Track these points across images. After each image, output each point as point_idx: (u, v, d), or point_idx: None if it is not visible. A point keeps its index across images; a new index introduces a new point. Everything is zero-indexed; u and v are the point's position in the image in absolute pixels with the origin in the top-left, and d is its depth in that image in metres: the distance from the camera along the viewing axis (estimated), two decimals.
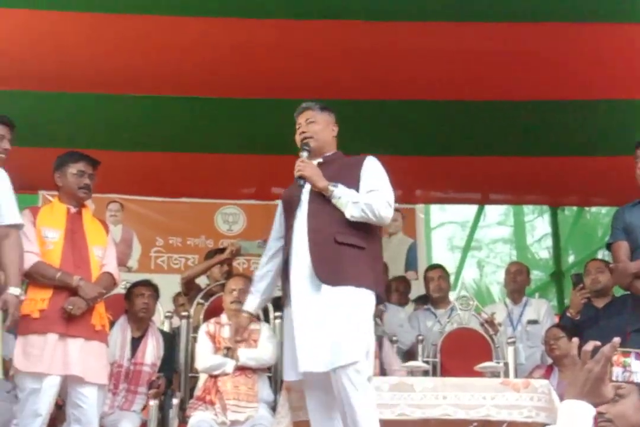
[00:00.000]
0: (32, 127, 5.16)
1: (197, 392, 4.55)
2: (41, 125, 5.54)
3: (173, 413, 4.48)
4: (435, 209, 8.30)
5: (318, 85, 5.14)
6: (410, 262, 7.51)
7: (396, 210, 7.53)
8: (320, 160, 3.74)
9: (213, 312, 4.92)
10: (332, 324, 3.36)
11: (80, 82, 5.17)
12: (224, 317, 4.73)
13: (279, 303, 5.28)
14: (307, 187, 3.66)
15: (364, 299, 3.47)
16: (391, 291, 6.05)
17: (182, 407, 4.55)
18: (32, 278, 3.94)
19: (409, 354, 5.42)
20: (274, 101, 5.40)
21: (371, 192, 3.58)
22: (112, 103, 5.50)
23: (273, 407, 4.46)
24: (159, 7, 4.56)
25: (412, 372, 4.64)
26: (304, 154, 3.70)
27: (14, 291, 3.37)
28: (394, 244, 7.53)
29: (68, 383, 3.89)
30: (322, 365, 3.34)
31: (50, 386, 3.80)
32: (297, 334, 3.45)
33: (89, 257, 4.05)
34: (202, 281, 5.69)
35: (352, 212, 3.54)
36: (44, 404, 3.78)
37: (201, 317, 4.97)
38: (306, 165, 3.64)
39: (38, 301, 3.88)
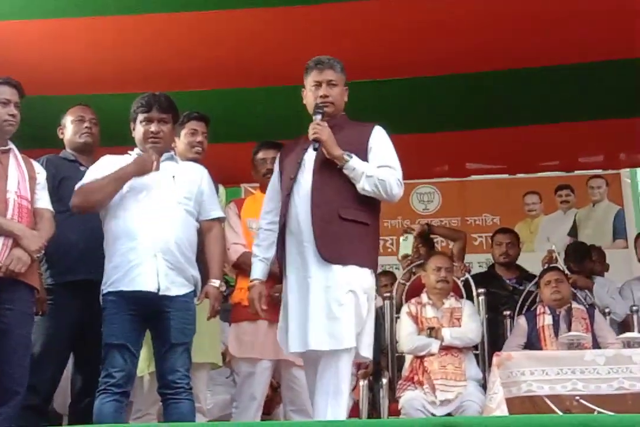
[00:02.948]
0: (232, 124, 5.36)
1: (405, 372, 4.60)
2: (240, 121, 5.72)
3: (383, 393, 4.55)
4: None
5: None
6: (618, 230, 7.16)
7: (599, 176, 7.28)
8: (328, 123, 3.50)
9: (413, 291, 4.94)
10: (332, 304, 3.27)
11: (270, 75, 5.28)
12: (424, 297, 4.74)
13: (482, 279, 5.28)
14: (311, 153, 3.47)
15: (366, 280, 3.37)
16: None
17: (391, 387, 4.61)
18: (240, 268, 4.12)
19: (623, 326, 5.20)
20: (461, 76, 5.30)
21: (383, 168, 3.40)
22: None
23: (483, 385, 4.42)
24: None
25: (628, 344, 4.42)
26: (319, 117, 3.47)
27: (214, 282, 3.53)
28: (599, 212, 7.23)
29: (281, 366, 4.04)
30: (324, 344, 3.26)
31: (264, 369, 3.98)
32: (297, 311, 3.35)
33: None
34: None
35: (364, 185, 3.36)
36: (259, 387, 3.97)
37: (403, 297, 5.00)
38: (323, 129, 3.41)
39: (245, 289, 4.04)
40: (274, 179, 3.66)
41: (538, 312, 4.78)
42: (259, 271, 3.58)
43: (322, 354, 3.27)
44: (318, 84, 3.52)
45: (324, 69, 3.53)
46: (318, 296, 3.29)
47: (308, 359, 3.44)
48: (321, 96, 3.50)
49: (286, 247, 3.45)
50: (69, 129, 4.01)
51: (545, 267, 5.31)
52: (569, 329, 4.61)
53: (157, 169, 3.49)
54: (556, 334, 4.63)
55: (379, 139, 3.50)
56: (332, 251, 3.32)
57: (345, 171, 3.38)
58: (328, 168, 3.42)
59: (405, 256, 5.46)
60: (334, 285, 3.30)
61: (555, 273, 4.89)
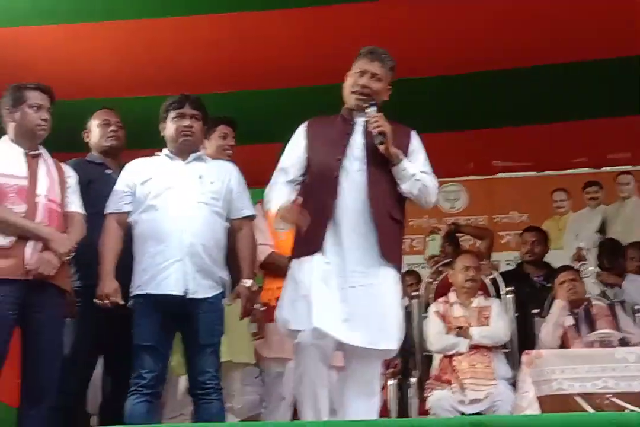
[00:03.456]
0: (255, 125, 5.37)
1: (434, 371, 4.59)
2: (263, 122, 5.73)
3: (412, 392, 4.54)
4: None
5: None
6: None
7: (628, 173, 7.21)
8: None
9: (441, 291, 4.93)
10: (383, 304, 3.24)
11: (295, 77, 5.29)
12: (452, 296, 4.73)
13: (510, 277, 5.25)
14: (358, 141, 3.39)
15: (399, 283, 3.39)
16: (626, 259, 5.75)
17: (420, 386, 4.60)
18: (267, 268, 4.14)
19: None
20: (485, 74, 5.27)
21: (425, 174, 3.39)
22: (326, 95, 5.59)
23: (512, 384, 4.39)
24: None
25: None
26: (374, 109, 3.36)
27: (246, 282, 3.54)
28: (629, 208, 7.15)
29: None
30: (365, 341, 3.18)
31: (293, 369, 3.97)
32: (338, 300, 3.21)
33: None
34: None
35: (411, 188, 3.34)
36: (288, 387, 3.96)
37: (431, 296, 4.99)
38: (385, 123, 3.31)
39: (274, 289, 4.02)
40: (300, 144, 3.48)
41: None
42: (283, 195, 3.38)
43: (362, 352, 3.22)
44: (362, 73, 3.43)
45: (374, 60, 3.45)
46: (370, 293, 3.23)
47: (324, 348, 3.24)
48: (359, 84, 3.42)
49: (338, 230, 3.29)
50: (95, 132, 4.04)
51: (574, 264, 5.29)
52: (592, 328, 4.58)
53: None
54: (579, 333, 4.60)
55: (419, 145, 3.50)
56: (388, 249, 3.29)
57: (394, 169, 3.35)
58: (379, 162, 3.35)
59: (432, 257, 5.45)
60: (385, 285, 3.28)
61: (569, 273, 4.86)
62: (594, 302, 4.77)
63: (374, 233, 3.28)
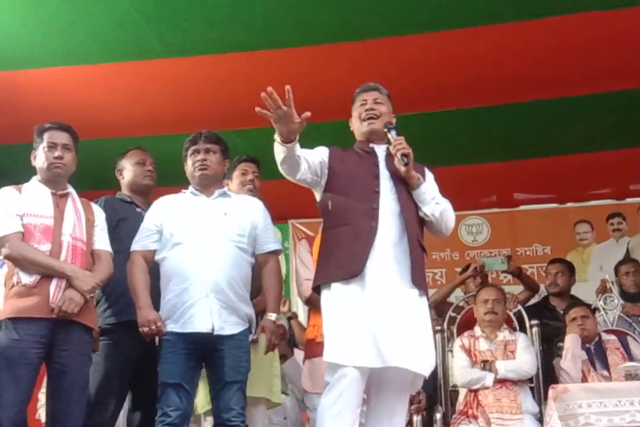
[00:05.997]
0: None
1: (459, 406, 4.54)
2: None
3: None
4: None
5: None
6: None
7: None
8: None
9: (466, 324, 4.90)
10: (423, 331, 3.23)
11: (316, 112, 5.33)
12: (477, 330, 4.70)
13: (535, 311, 5.21)
14: (385, 171, 3.39)
15: None
16: None
17: (445, 422, 4.55)
18: (312, 304, 4.11)
19: None
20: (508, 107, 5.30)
21: (443, 201, 3.40)
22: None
23: (539, 419, 4.35)
24: None
25: None
26: (395, 133, 3.39)
27: (271, 316, 3.54)
28: None
29: None
30: (407, 364, 3.12)
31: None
32: (382, 325, 3.12)
33: None
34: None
35: (433, 211, 3.34)
36: None
37: (454, 330, 4.96)
38: (407, 145, 3.33)
39: (319, 326, 3.98)
40: (323, 154, 3.43)
41: None
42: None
43: (397, 380, 3.20)
44: (364, 102, 3.51)
45: (370, 90, 3.55)
46: (412, 318, 3.20)
47: (360, 378, 3.15)
48: (367, 109, 3.47)
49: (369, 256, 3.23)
50: (131, 171, 4.08)
51: (600, 296, 5.25)
52: (605, 362, 4.56)
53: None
54: (594, 367, 4.56)
55: (433, 180, 3.50)
56: (420, 277, 3.30)
57: (415, 193, 3.36)
58: (404, 190, 3.37)
59: (482, 268, 5.42)
60: (422, 313, 3.27)
61: (579, 309, 4.80)
62: (604, 338, 4.72)
63: (408, 261, 3.27)
